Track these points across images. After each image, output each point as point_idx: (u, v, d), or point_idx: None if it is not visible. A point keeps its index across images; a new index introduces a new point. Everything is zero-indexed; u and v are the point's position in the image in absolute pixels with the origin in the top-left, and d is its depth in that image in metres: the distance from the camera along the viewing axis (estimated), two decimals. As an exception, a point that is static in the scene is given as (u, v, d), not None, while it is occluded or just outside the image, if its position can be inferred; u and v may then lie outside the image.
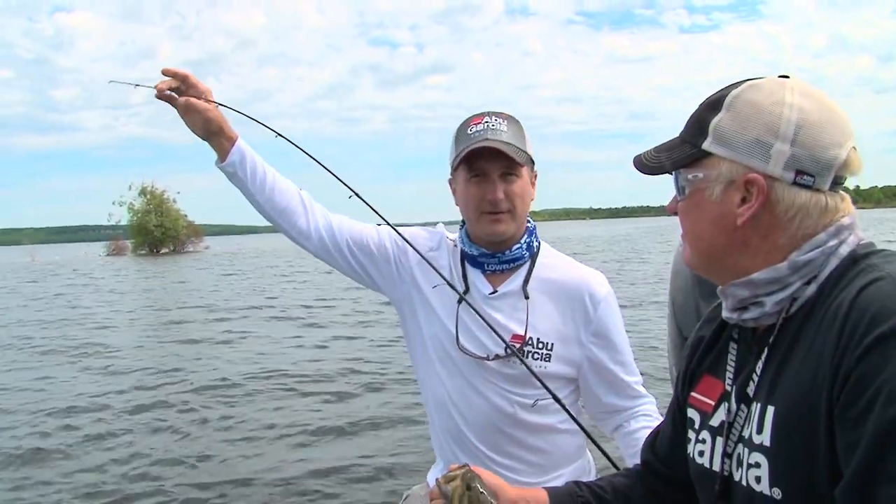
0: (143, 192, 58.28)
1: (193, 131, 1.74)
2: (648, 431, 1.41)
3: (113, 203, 58.97)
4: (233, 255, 47.00)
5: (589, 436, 1.67)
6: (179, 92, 1.72)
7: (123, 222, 59.66)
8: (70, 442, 5.94)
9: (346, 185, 1.84)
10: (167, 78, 1.72)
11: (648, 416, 1.76)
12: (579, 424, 1.66)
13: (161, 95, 1.71)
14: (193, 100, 1.71)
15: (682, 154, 1.05)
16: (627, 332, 1.81)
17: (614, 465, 1.48)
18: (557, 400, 1.66)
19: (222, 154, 1.75)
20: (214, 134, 1.73)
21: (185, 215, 60.33)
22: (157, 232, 56.91)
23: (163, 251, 57.75)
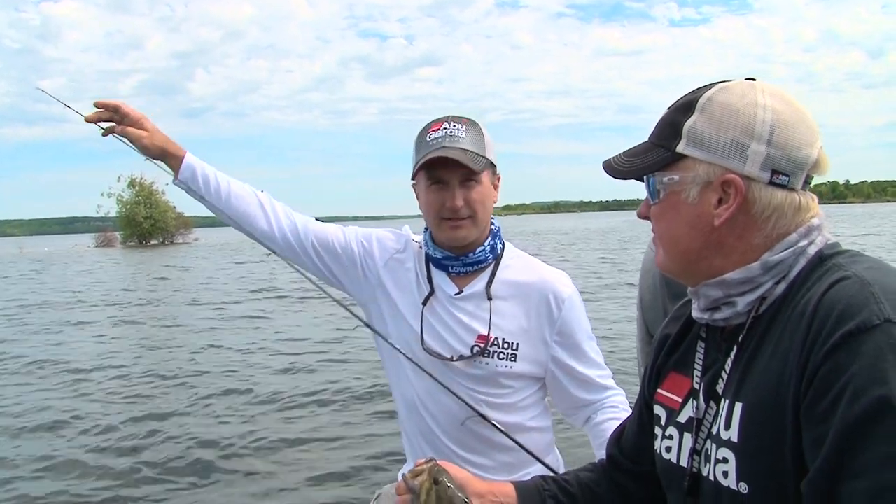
0: (131, 184, 57.98)
1: (144, 154, 1.79)
2: (616, 422, 1.42)
3: (102, 194, 58.89)
4: (224, 246, 46.84)
5: (526, 450, 1.69)
6: (115, 122, 1.77)
7: (113, 214, 59.53)
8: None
9: (265, 246, 1.85)
10: (99, 110, 1.75)
11: (616, 407, 1.77)
12: (514, 440, 1.68)
13: (107, 132, 1.76)
14: (129, 128, 1.75)
15: (656, 157, 1.04)
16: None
17: (553, 471, 1.47)
18: (485, 418, 1.68)
19: (175, 172, 1.80)
20: (160, 155, 1.78)
21: (175, 207, 60.02)
22: (146, 223, 56.70)
23: (152, 242, 57.67)
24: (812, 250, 0.99)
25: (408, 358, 1.75)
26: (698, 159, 1.00)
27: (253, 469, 5.15)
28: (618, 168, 1.09)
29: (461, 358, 1.71)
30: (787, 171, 0.97)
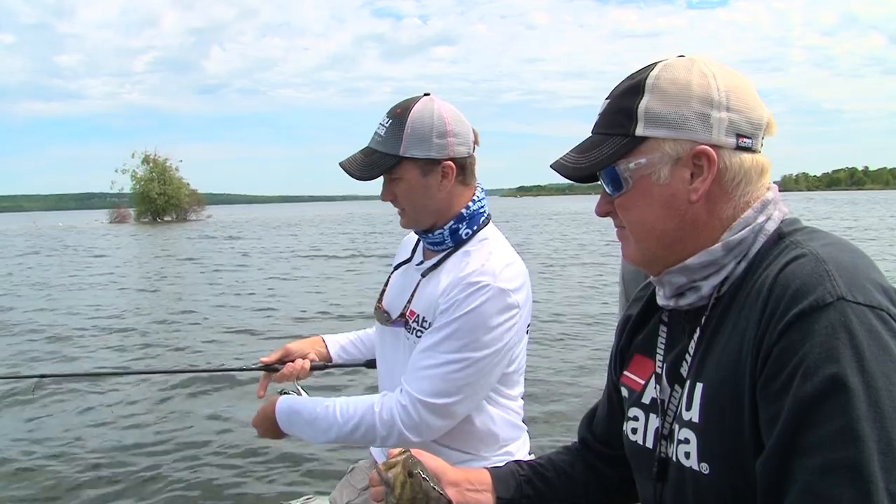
0: (145, 161, 58.65)
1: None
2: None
3: (116, 171, 59.44)
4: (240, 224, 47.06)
5: None
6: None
7: (127, 190, 60.13)
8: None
9: None
10: None
11: (383, 405, 1.64)
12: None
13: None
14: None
15: (616, 146, 1.00)
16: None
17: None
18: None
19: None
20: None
21: (188, 184, 60.72)
22: (159, 200, 57.31)
23: (165, 219, 58.18)
24: (770, 227, 0.99)
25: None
26: (662, 138, 0.98)
27: (219, 439, 5.22)
28: (574, 166, 1.04)
29: (389, 321, 1.76)
30: (749, 134, 0.98)
